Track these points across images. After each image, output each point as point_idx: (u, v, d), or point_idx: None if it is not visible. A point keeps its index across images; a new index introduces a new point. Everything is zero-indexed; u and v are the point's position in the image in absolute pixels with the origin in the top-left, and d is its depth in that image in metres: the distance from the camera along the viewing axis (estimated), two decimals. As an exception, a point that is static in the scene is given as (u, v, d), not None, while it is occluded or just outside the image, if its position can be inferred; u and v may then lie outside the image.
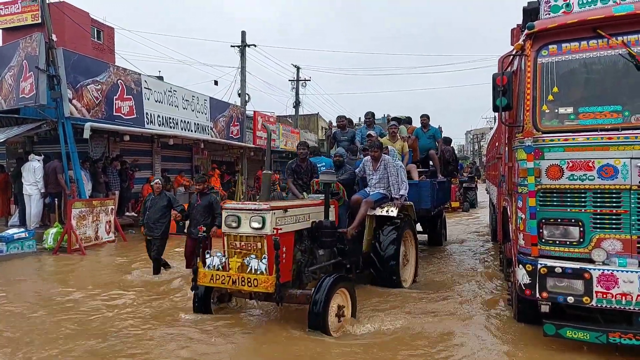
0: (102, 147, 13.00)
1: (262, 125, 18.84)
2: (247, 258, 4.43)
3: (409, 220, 6.63)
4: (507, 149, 5.16)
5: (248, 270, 4.39)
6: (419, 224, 9.61)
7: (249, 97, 22.21)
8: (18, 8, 21.77)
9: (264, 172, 5.44)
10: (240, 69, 22.44)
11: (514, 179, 4.38)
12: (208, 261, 4.64)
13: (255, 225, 4.42)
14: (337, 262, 5.63)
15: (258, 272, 4.32)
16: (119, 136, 12.58)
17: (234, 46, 22.61)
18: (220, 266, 4.60)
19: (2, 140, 10.59)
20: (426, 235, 10.36)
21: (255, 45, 23.02)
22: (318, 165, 6.88)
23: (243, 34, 22.53)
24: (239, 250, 4.60)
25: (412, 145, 8.91)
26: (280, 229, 4.53)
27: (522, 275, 3.90)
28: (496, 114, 5.07)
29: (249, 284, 4.31)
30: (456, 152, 11.71)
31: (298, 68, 30.09)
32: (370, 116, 8.65)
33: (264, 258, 4.34)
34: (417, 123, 9.90)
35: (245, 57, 22.44)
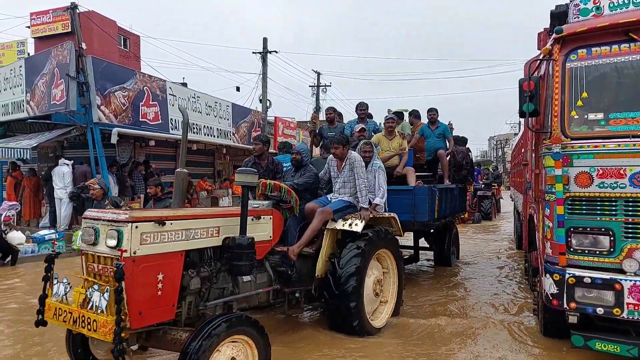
0: (129, 151, 13.30)
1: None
2: (90, 289, 3.13)
3: (388, 238, 5.20)
4: (533, 155, 5.07)
5: (90, 306, 3.10)
6: (423, 239, 8.47)
7: (270, 103, 22.40)
8: (49, 18, 22.53)
9: (178, 170, 4.11)
10: (261, 75, 22.66)
11: (541, 186, 4.29)
12: (55, 288, 3.37)
13: (111, 242, 3.12)
14: (275, 291, 4.41)
15: (99, 311, 3.03)
16: (145, 141, 12.86)
17: (255, 53, 22.87)
18: (65, 297, 3.30)
19: (34, 145, 10.94)
20: (433, 253, 8.76)
21: (276, 52, 23.25)
22: (284, 165, 5.82)
23: (265, 40, 22.77)
24: (96, 276, 3.28)
25: (418, 144, 7.95)
26: (126, 252, 3.03)
27: (549, 285, 3.81)
28: (522, 119, 5.00)
29: (89, 327, 3.04)
30: (475, 155, 10.56)
31: (319, 74, 30.27)
32: (363, 107, 7.34)
33: (106, 292, 3.01)
34: (424, 119, 8.47)
35: (266, 63, 22.67)
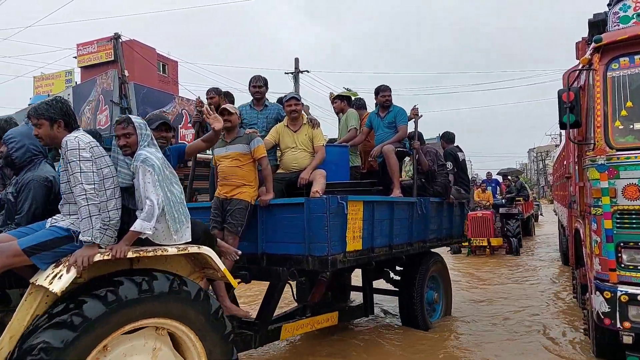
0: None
1: None
2: None
3: (183, 297, 2.78)
4: (576, 167, 4.90)
5: None
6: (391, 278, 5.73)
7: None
8: (94, 48, 23.77)
9: None
10: (295, 95, 22.98)
11: (587, 199, 4.13)
12: None
13: None
14: None
15: None
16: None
17: (287, 73, 23.26)
18: None
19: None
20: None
21: (308, 72, 23.54)
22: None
23: (296, 60, 23.14)
24: None
25: (367, 142, 5.65)
26: None
27: (599, 303, 3.63)
28: (563, 131, 4.86)
29: None
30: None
31: (349, 91, 30.46)
32: (257, 84, 4.87)
33: None
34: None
35: (298, 83, 22.99)
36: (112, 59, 20.12)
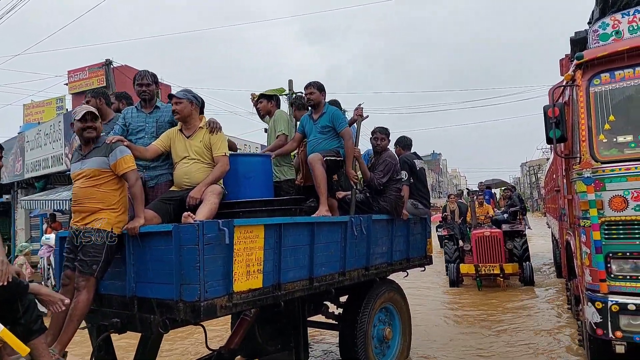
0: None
1: None
2: None
3: None
4: (565, 181, 5.00)
5: None
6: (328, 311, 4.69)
7: (297, 142, 22.72)
8: (86, 74, 23.86)
9: None
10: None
11: (575, 212, 4.22)
12: None
13: None
14: None
15: None
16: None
17: (281, 95, 23.47)
18: None
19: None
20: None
21: (302, 93, 23.77)
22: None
23: (290, 82, 23.39)
24: None
25: (298, 152, 4.89)
26: None
27: (591, 314, 3.68)
28: (551, 145, 4.97)
29: None
30: (420, 165, 5.27)
31: (344, 112, 30.77)
32: (145, 81, 4.01)
33: None
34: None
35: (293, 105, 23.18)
36: (104, 84, 20.25)
